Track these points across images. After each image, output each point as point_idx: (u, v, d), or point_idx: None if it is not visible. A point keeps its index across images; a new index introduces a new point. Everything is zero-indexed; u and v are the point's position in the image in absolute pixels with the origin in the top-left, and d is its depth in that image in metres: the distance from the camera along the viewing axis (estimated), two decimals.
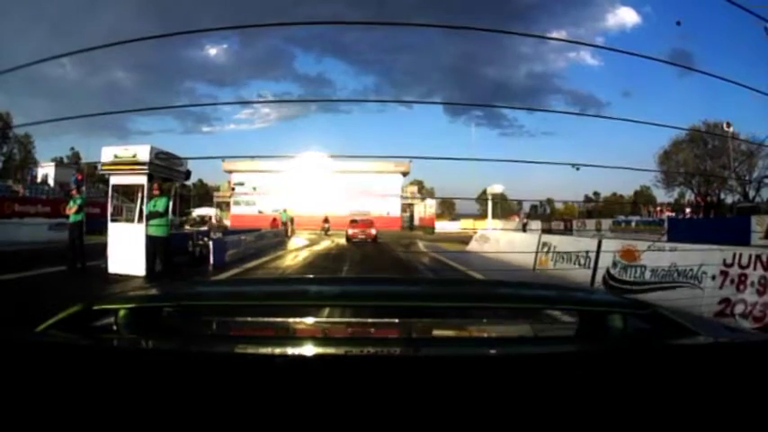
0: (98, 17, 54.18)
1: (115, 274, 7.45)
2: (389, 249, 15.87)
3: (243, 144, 79.05)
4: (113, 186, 7.97)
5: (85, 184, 34.03)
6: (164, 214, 7.30)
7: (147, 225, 7.30)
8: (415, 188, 47.16)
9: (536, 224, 27.31)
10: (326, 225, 26.34)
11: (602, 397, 0.67)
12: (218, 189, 45.00)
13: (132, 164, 7.50)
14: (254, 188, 39.95)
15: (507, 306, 1.17)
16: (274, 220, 25.45)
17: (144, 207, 7.50)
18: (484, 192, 26.17)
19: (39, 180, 32.19)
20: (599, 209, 42.16)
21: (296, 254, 13.88)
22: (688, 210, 18.12)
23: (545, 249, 9.01)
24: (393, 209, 40.23)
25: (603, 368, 0.74)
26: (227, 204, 42.04)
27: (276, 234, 18.26)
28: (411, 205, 42.20)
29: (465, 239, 16.46)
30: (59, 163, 35.52)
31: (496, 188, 23.75)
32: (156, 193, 7.39)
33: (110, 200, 8.03)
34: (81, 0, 59.43)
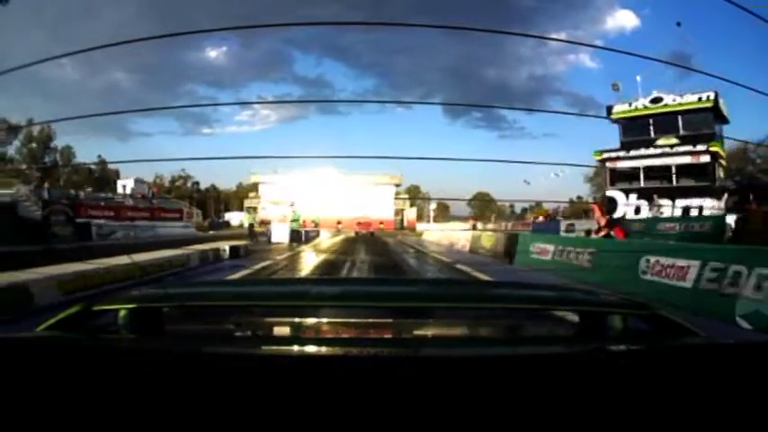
0: (99, 18, 55.44)
1: (275, 242, 19.85)
2: (380, 238, 28.79)
3: (243, 146, 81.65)
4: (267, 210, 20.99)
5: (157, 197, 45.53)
6: (298, 219, 20.34)
7: (291, 223, 20.21)
8: (406, 196, 59.41)
9: (481, 224, 39.96)
10: (340, 225, 39.27)
11: (602, 398, 0.68)
12: (246, 196, 56.76)
13: (278, 203, 20.65)
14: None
15: (507, 307, 1.18)
16: (304, 221, 38.36)
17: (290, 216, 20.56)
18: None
19: (123, 192, 42.93)
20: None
21: (331, 240, 26.59)
22: (541, 218, 31.10)
23: (445, 236, 22.07)
24: (388, 213, 52.17)
25: (603, 369, 0.75)
26: (255, 209, 54.37)
27: (314, 231, 31.49)
28: (402, 210, 55.28)
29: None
30: (138, 179, 46.38)
31: (432, 205, 36.80)
32: (293, 210, 20.46)
33: (273, 216, 21.07)
34: (83, 1, 61.00)
